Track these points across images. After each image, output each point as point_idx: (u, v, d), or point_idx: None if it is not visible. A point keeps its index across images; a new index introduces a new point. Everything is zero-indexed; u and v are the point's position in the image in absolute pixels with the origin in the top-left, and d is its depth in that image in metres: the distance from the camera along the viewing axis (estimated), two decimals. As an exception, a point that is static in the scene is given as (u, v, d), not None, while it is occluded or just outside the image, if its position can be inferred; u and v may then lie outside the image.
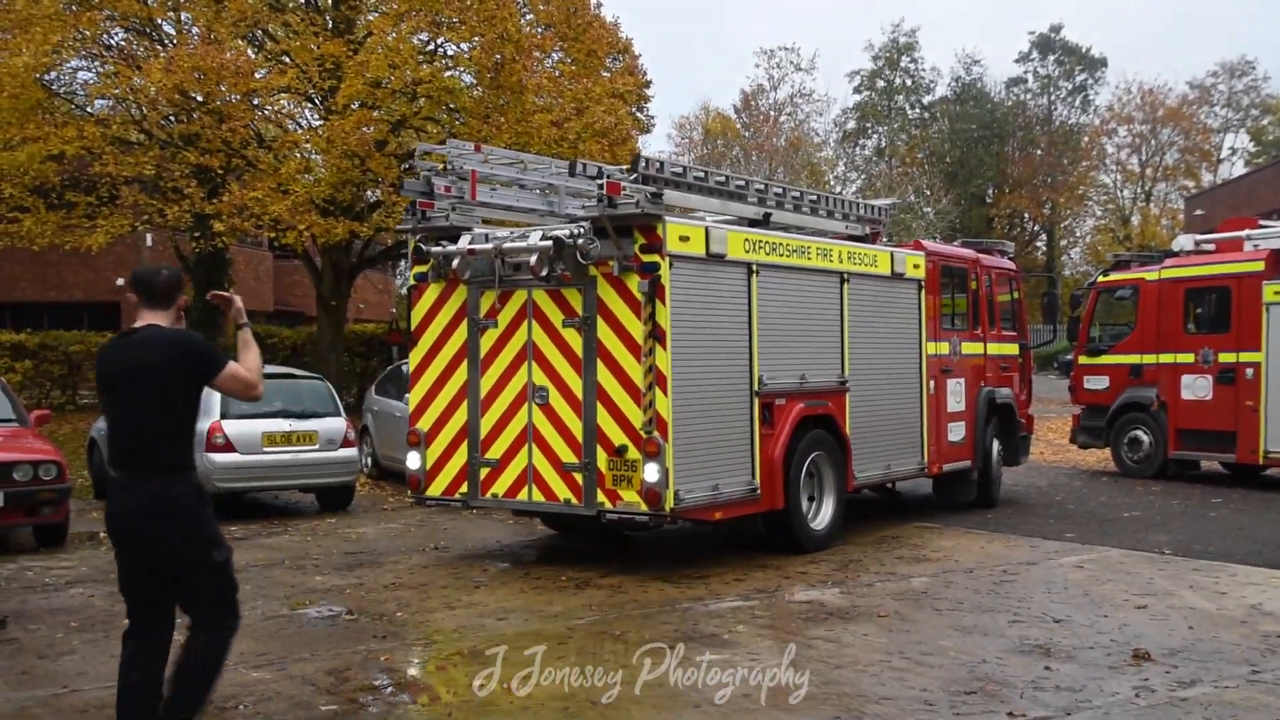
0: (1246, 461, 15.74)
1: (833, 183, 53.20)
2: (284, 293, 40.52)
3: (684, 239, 9.44)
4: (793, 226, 11.60)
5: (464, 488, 10.25)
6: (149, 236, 28.22)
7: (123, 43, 21.18)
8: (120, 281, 28.82)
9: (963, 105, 61.88)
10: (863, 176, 57.73)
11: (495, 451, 10.07)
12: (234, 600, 5.28)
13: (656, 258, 9.23)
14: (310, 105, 21.23)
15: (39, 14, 17.99)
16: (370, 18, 20.66)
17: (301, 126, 21.55)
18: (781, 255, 10.59)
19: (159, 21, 21.15)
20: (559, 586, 9.36)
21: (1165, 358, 16.58)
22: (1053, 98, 64.25)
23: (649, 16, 65.28)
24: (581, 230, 9.36)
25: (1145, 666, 6.89)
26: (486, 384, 10.13)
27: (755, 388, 10.15)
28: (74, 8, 19.11)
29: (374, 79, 18.42)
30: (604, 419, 9.44)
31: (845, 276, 11.44)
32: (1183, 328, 16.50)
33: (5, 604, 8.87)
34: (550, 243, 9.37)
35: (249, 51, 20.99)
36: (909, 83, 64.33)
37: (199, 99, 19.04)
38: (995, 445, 14.09)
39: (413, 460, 10.53)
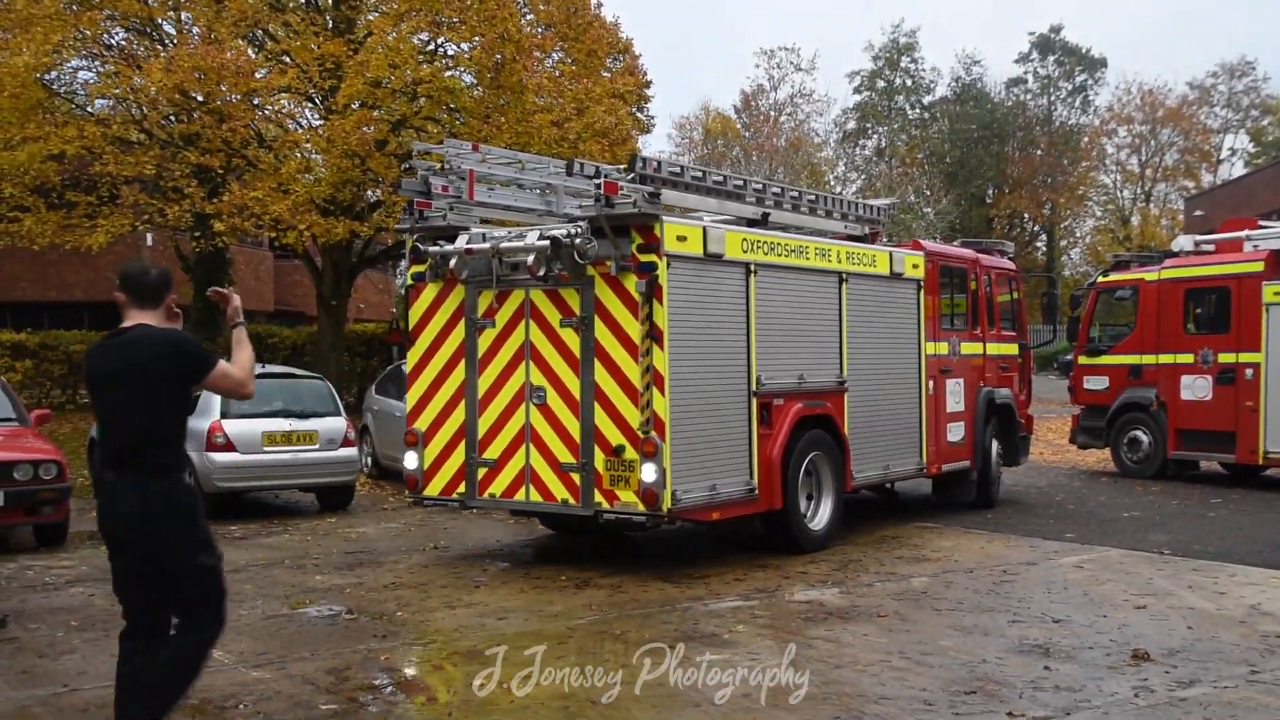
0: (1246, 462, 15.77)
1: (833, 183, 53.23)
2: (284, 292, 40.52)
3: (681, 239, 9.44)
4: (791, 226, 11.62)
5: (461, 488, 10.25)
6: (149, 236, 28.19)
7: (123, 42, 21.18)
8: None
9: (963, 105, 61.93)
10: (863, 177, 57.80)
11: (493, 451, 10.07)
12: (220, 606, 5.25)
13: (654, 257, 9.22)
14: (310, 105, 21.24)
15: (39, 13, 17.99)
16: (370, 17, 20.66)
17: (302, 126, 21.56)
18: (780, 255, 10.58)
19: (159, 21, 21.16)
20: (559, 586, 9.38)
21: (1165, 358, 16.60)
22: (1053, 98, 64.35)
23: (649, 16, 65.33)
24: (579, 230, 9.35)
25: (1144, 666, 6.90)
26: (484, 384, 10.13)
27: (753, 388, 10.15)
28: (74, 7, 19.11)
29: (374, 79, 18.43)
30: (601, 419, 9.44)
31: (844, 276, 11.44)
32: (1182, 328, 16.52)
33: (6, 603, 8.89)
34: (547, 242, 9.36)
35: (249, 51, 20.99)
36: (909, 83, 64.37)
37: (199, 99, 19.05)
38: (995, 445, 14.10)
39: (410, 460, 10.53)
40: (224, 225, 19.07)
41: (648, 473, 9.14)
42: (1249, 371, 15.49)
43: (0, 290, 30.43)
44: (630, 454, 9.27)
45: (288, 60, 19.96)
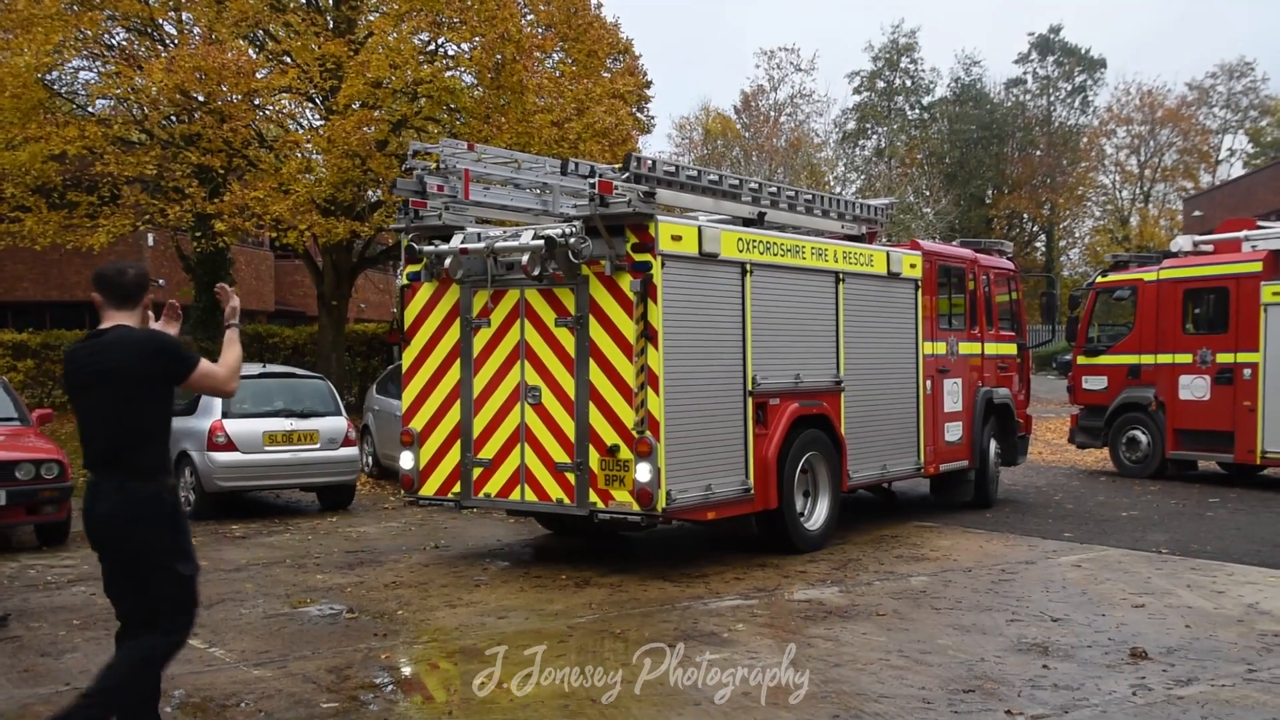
0: (1244, 461, 15.83)
1: (832, 183, 53.20)
2: (285, 292, 40.56)
3: (676, 238, 9.44)
4: (788, 226, 11.63)
5: (457, 487, 10.27)
6: (150, 236, 28.28)
7: (124, 43, 21.18)
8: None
9: (962, 106, 61.88)
10: (862, 177, 57.81)
11: (488, 451, 10.09)
12: (189, 616, 5.19)
13: (648, 257, 9.22)
14: (311, 105, 21.24)
15: (40, 14, 18.01)
16: (371, 18, 20.65)
17: (302, 126, 21.56)
18: (776, 255, 10.58)
19: (160, 22, 21.15)
20: (559, 585, 9.41)
21: (1163, 358, 16.65)
22: (1052, 99, 64.30)
23: (649, 17, 65.36)
24: (573, 229, 9.37)
25: (1142, 665, 6.93)
26: (479, 383, 10.15)
27: (749, 387, 10.16)
28: (75, 8, 19.12)
29: (375, 79, 18.43)
30: (596, 419, 9.45)
31: (840, 276, 11.44)
32: (1181, 328, 16.57)
33: (8, 601, 8.93)
34: (542, 242, 9.36)
35: (250, 52, 21.00)
36: (909, 83, 64.31)
37: (200, 99, 19.06)
38: (993, 445, 14.12)
39: (406, 460, 10.55)
40: (225, 225, 19.09)
41: (642, 472, 9.15)
42: (1247, 371, 15.54)
43: (2, 290, 30.46)
44: (625, 454, 9.27)
45: (288, 60, 19.97)
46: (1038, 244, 64.04)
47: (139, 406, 5.00)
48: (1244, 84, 61.22)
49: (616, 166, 10.84)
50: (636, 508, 9.24)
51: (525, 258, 9.47)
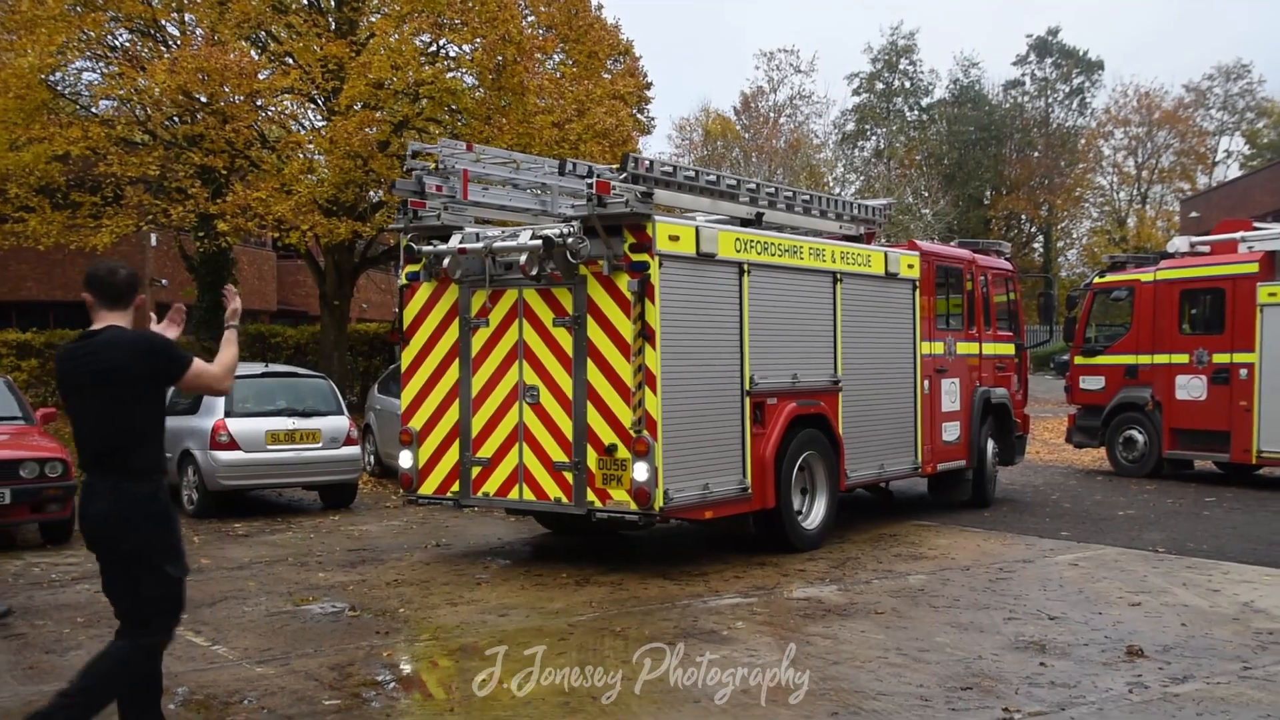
0: (1240, 461, 15.89)
1: (832, 184, 53.26)
2: (287, 292, 40.63)
3: (674, 238, 9.46)
4: (786, 226, 11.64)
5: (455, 486, 10.28)
6: (154, 236, 28.35)
7: (127, 44, 21.26)
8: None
9: (961, 108, 61.98)
10: (861, 178, 57.92)
11: (486, 450, 10.11)
12: (173, 619, 5.17)
13: (646, 257, 9.24)
14: (313, 106, 21.30)
15: (44, 15, 18.09)
16: (373, 19, 20.72)
17: (305, 127, 21.62)
18: (773, 255, 10.60)
19: (163, 23, 21.23)
20: (560, 583, 9.43)
21: (1160, 358, 16.71)
22: (1050, 100, 64.46)
23: (649, 18, 65.40)
24: (571, 230, 9.38)
25: (1139, 663, 6.96)
26: (478, 383, 10.17)
27: (746, 387, 10.18)
28: (79, 9, 19.19)
29: (376, 80, 18.50)
30: (594, 418, 9.46)
31: (838, 276, 11.46)
32: (1178, 328, 16.63)
33: (13, 600, 8.95)
34: (540, 242, 9.38)
35: (252, 53, 21.06)
36: (907, 85, 64.48)
37: (203, 100, 19.14)
38: (990, 445, 14.13)
39: (405, 459, 10.56)
40: (227, 225, 19.16)
41: (640, 472, 9.16)
42: (1243, 371, 15.60)
43: (6, 290, 30.54)
44: (622, 453, 9.29)
45: (291, 62, 20.04)
46: (1036, 245, 64.16)
47: (133, 407, 5.01)
48: (1241, 86, 61.61)
49: (614, 167, 10.86)
50: (634, 507, 9.25)
51: (523, 258, 9.49)
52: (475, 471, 10.17)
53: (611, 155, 19.69)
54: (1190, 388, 16.29)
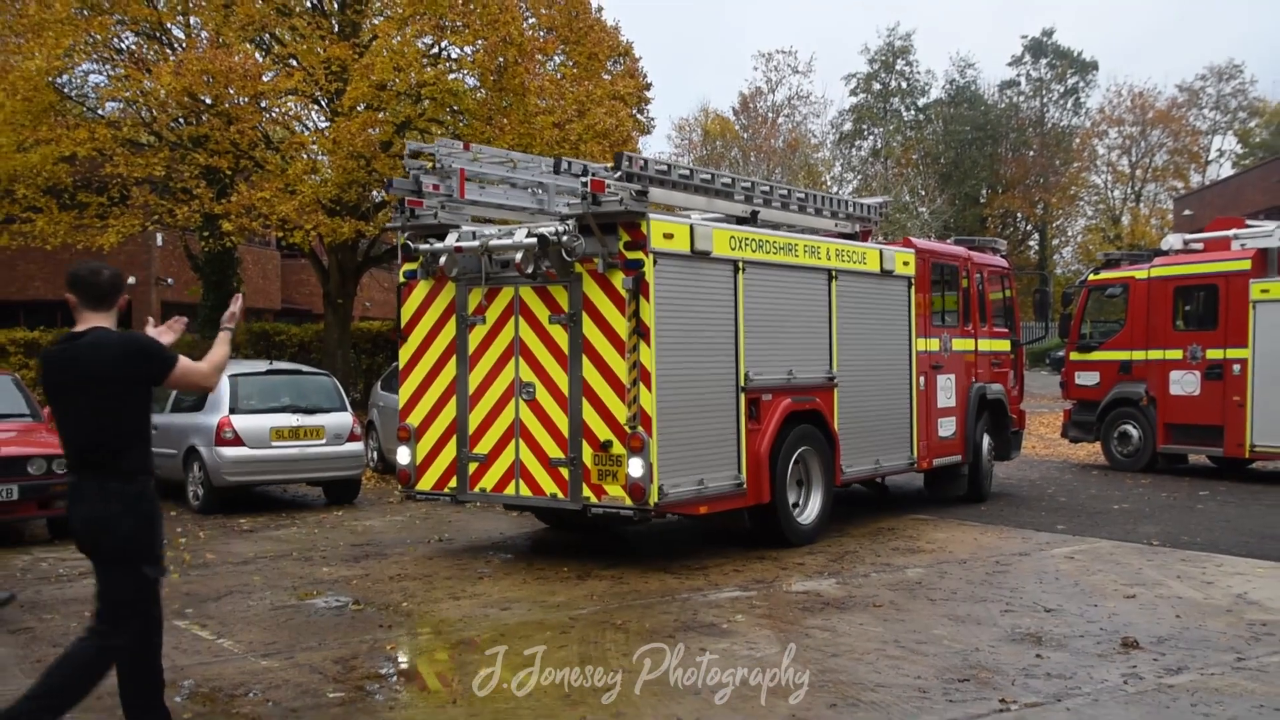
0: (1233, 455, 15.99)
1: (829, 183, 53.40)
2: (291, 291, 40.78)
3: (668, 236, 9.49)
4: (783, 225, 11.67)
5: (453, 482, 10.33)
6: (159, 236, 28.52)
7: (133, 46, 21.40)
8: (132, 279, 29.14)
9: (957, 107, 62.05)
10: (859, 177, 57.99)
11: (483, 446, 10.16)
12: (140, 617, 5.08)
13: (640, 255, 9.28)
14: (317, 107, 21.43)
15: (51, 18, 18.23)
16: (375, 21, 20.85)
17: (308, 128, 21.75)
18: (768, 252, 10.63)
19: (168, 26, 21.37)
20: (561, 577, 9.47)
21: (1154, 354, 16.83)
22: (1045, 100, 64.49)
23: (649, 19, 65.41)
24: (566, 228, 9.42)
25: (1134, 654, 7.01)
26: (474, 380, 10.22)
27: (741, 383, 10.21)
28: (85, 12, 19.34)
29: (379, 81, 18.61)
30: (589, 414, 9.50)
31: (833, 273, 11.48)
32: (1171, 325, 16.74)
33: (21, 595, 9.02)
34: (536, 240, 9.42)
35: (257, 55, 21.19)
36: (904, 85, 64.47)
37: (208, 101, 19.27)
38: (986, 440, 14.16)
39: (403, 455, 10.61)
40: (232, 225, 19.30)
41: (635, 467, 9.21)
42: (1236, 367, 15.71)
43: (14, 289, 30.75)
44: (618, 449, 9.33)
45: (294, 63, 20.16)
46: (1031, 242, 64.23)
47: (120, 408, 4.99)
48: (1233, 86, 62.03)
49: (609, 165, 10.90)
50: (629, 502, 9.28)
51: (519, 256, 9.53)
52: (472, 467, 10.21)
53: (611, 155, 19.79)
54: (1184, 383, 16.41)
